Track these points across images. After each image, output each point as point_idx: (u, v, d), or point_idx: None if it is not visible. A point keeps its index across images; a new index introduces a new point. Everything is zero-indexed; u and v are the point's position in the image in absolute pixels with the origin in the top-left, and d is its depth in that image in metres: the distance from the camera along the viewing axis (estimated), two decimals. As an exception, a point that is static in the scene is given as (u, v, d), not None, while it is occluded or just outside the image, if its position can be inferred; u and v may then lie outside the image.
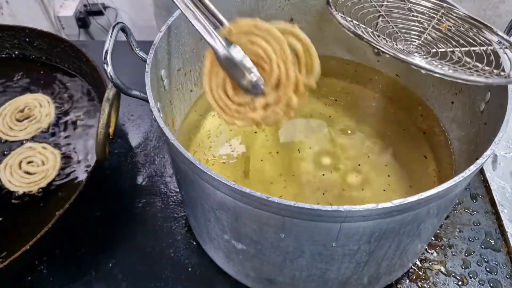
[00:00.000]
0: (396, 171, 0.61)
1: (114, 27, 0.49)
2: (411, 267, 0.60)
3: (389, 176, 0.60)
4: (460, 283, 0.59)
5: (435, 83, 0.63)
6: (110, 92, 0.58)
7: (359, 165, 0.61)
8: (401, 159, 0.62)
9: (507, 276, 0.60)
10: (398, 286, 0.59)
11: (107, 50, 0.46)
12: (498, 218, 0.65)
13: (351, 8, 0.56)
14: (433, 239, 0.63)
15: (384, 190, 0.59)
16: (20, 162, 0.71)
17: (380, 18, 0.57)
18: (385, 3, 0.58)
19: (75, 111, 0.79)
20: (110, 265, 0.63)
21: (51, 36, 0.84)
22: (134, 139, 0.79)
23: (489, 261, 0.61)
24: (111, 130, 0.67)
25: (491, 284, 0.59)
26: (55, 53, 0.85)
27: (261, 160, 0.62)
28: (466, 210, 0.66)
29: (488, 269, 0.61)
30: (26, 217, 0.65)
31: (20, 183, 0.68)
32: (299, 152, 0.63)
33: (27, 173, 0.70)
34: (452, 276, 0.60)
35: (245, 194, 0.38)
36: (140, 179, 0.73)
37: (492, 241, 0.63)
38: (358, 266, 0.47)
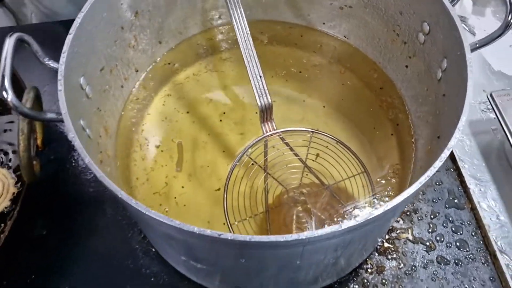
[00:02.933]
0: (355, 138, 0.58)
1: (10, 37, 0.41)
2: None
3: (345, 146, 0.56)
4: (428, 249, 0.59)
5: (386, 44, 0.58)
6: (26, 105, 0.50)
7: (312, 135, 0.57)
8: (360, 126, 0.58)
9: (473, 234, 0.60)
10: (368, 261, 0.58)
11: (3, 74, 0.38)
12: (460, 175, 0.64)
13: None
14: (398, 206, 0.61)
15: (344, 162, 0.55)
16: None
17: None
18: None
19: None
20: (66, 286, 0.58)
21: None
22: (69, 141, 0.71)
23: (454, 221, 0.61)
24: (39, 141, 0.59)
25: (458, 244, 0.59)
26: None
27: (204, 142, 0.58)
28: (427, 170, 0.65)
29: (453, 229, 0.60)
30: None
31: None
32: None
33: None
34: (420, 243, 0.59)
35: (195, 234, 0.33)
36: (84, 185, 0.66)
37: (456, 200, 0.62)
38: (327, 266, 0.45)
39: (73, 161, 0.68)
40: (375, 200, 0.54)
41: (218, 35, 0.65)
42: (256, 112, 0.60)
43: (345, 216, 0.52)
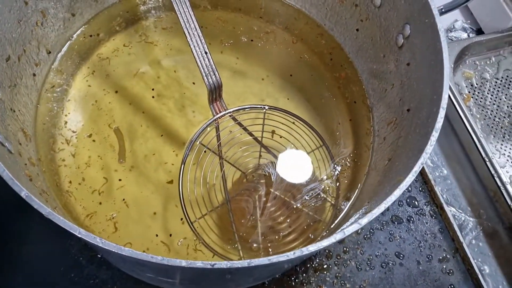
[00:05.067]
0: (309, 112, 0.55)
1: None
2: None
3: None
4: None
5: (333, 6, 0.54)
6: None
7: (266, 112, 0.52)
8: (314, 99, 0.55)
9: (420, 190, 0.62)
10: (329, 232, 0.58)
11: None
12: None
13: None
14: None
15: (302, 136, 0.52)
16: None
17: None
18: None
19: None
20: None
21: None
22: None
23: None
24: None
25: (408, 201, 0.61)
26: None
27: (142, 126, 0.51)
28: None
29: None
30: None
31: None
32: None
33: None
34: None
35: (184, 269, 0.28)
36: (6, 190, 0.55)
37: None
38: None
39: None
40: (335, 171, 0.52)
41: (148, 2, 0.55)
42: (197, 88, 0.53)
43: (308, 193, 0.50)
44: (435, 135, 0.34)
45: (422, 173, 0.62)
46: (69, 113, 0.49)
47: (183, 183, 0.46)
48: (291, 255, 0.28)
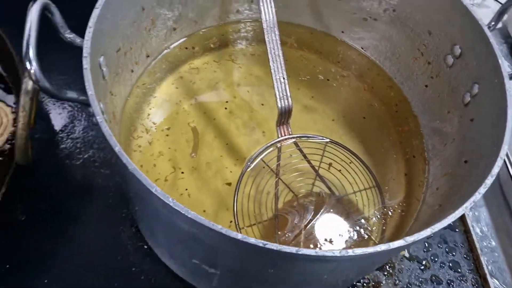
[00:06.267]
0: (368, 154, 0.57)
1: (34, 3, 0.36)
2: (377, 256, 0.59)
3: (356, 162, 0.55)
4: (423, 267, 0.59)
5: (407, 62, 0.58)
6: (29, 82, 0.45)
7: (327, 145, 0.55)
8: (374, 143, 0.58)
9: (465, 256, 0.61)
10: (366, 276, 0.58)
11: (28, 43, 0.34)
12: (455, 197, 0.65)
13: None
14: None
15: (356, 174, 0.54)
16: None
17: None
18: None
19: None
20: (46, 281, 0.53)
21: None
22: (58, 120, 0.65)
23: (448, 242, 0.62)
24: (31, 118, 0.54)
25: (451, 265, 0.60)
26: None
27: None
28: (425, 190, 0.66)
29: (447, 250, 0.61)
30: None
31: None
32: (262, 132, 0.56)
33: None
34: (416, 261, 0.60)
35: (235, 240, 0.31)
36: (70, 172, 0.61)
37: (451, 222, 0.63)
38: (346, 281, 0.44)
39: (59, 145, 0.63)
40: (383, 214, 0.53)
41: (241, 30, 0.62)
42: (266, 112, 0.58)
43: (352, 228, 0.52)
44: (490, 180, 0.36)
45: (469, 240, 0.61)
46: (153, 108, 0.54)
47: (238, 191, 0.49)
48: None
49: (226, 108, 0.57)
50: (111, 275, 0.54)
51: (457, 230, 0.63)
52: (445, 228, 0.60)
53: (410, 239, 0.32)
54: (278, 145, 0.54)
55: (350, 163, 0.55)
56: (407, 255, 0.60)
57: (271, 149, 0.53)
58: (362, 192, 0.53)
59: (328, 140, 0.55)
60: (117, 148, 0.33)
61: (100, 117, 0.35)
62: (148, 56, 0.56)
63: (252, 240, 0.31)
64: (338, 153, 0.55)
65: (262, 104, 0.58)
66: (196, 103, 0.56)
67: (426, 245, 0.61)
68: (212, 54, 0.60)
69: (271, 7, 0.51)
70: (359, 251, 0.31)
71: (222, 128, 0.56)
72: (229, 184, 0.52)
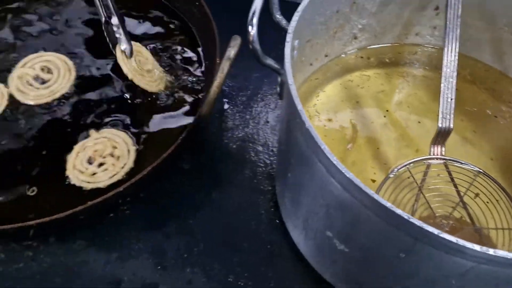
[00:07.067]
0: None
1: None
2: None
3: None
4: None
5: None
6: (232, 51, 0.55)
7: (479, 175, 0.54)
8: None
9: None
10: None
11: (254, 11, 0.42)
12: None
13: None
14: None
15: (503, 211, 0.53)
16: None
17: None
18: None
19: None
20: (191, 221, 0.62)
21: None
22: (231, 97, 0.76)
23: None
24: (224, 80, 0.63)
25: None
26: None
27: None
28: None
29: None
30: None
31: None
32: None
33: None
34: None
35: (387, 210, 0.34)
36: (231, 141, 0.70)
37: None
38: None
39: (228, 117, 0.73)
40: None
41: (418, 52, 0.66)
42: (420, 130, 0.60)
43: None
44: None
45: None
46: (319, 100, 0.60)
47: (379, 194, 0.52)
48: None
49: (385, 116, 0.60)
50: (243, 234, 0.61)
51: None
52: None
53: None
54: (428, 162, 0.55)
55: (499, 200, 0.53)
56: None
57: (420, 164, 0.55)
58: (505, 231, 0.52)
59: (481, 170, 0.54)
60: (299, 107, 0.39)
61: (291, 80, 0.41)
62: (326, 56, 0.62)
63: (398, 211, 0.34)
64: (488, 186, 0.54)
65: (419, 122, 0.60)
66: (358, 105, 0.61)
67: None
68: (385, 68, 0.64)
69: (455, 39, 0.54)
70: (501, 253, 0.32)
71: (376, 134, 0.59)
72: (374, 181, 0.55)
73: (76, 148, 0.63)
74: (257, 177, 0.67)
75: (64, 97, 0.69)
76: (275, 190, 0.63)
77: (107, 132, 0.65)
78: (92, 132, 0.65)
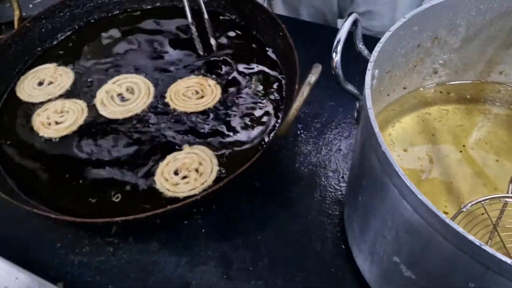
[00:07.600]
0: None
1: (349, 15, 0.48)
2: None
3: None
4: None
5: None
6: (313, 77, 0.58)
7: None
8: None
9: None
10: None
11: (339, 39, 0.45)
12: None
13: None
14: None
15: None
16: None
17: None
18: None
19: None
20: (258, 237, 0.65)
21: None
22: (306, 123, 0.79)
23: None
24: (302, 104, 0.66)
25: None
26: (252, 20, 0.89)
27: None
28: None
29: None
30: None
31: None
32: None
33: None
34: None
35: (458, 235, 0.34)
36: (302, 165, 0.73)
37: None
38: None
39: (301, 142, 0.76)
40: None
41: (501, 90, 0.65)
42: (497, 168, 0.58)
43: None
44: None
45: None
46: (395, 130, 0.62)
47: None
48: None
49: (461, 152, 0.60)
50: (308, 255, 0.63)
51: None
52: None
53: None
54: (506, 200, 0.54)
55: None
56: None
57: (496, 201, 0.54)
58: None
59: None
60: (377, 129, 0.41)
61: (369, 104, 0.43)
62: (404, 88, 0.64)
63: (470, 237, 0.34)
64: None
65: (497, 161, 0.59)
66: (434, 138, 0.61)
67: None
68: (465, 104, 0.64)
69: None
70: None
71: (451, 169, 0.59)
72: (445, 213, 0.54)
73: (169, 157, 0.70)
74: (326, 201, 0.68)
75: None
76: (343, 216, 0.64)
77: (198, 149, 0.71)
78: (186, 146, 0.71)
